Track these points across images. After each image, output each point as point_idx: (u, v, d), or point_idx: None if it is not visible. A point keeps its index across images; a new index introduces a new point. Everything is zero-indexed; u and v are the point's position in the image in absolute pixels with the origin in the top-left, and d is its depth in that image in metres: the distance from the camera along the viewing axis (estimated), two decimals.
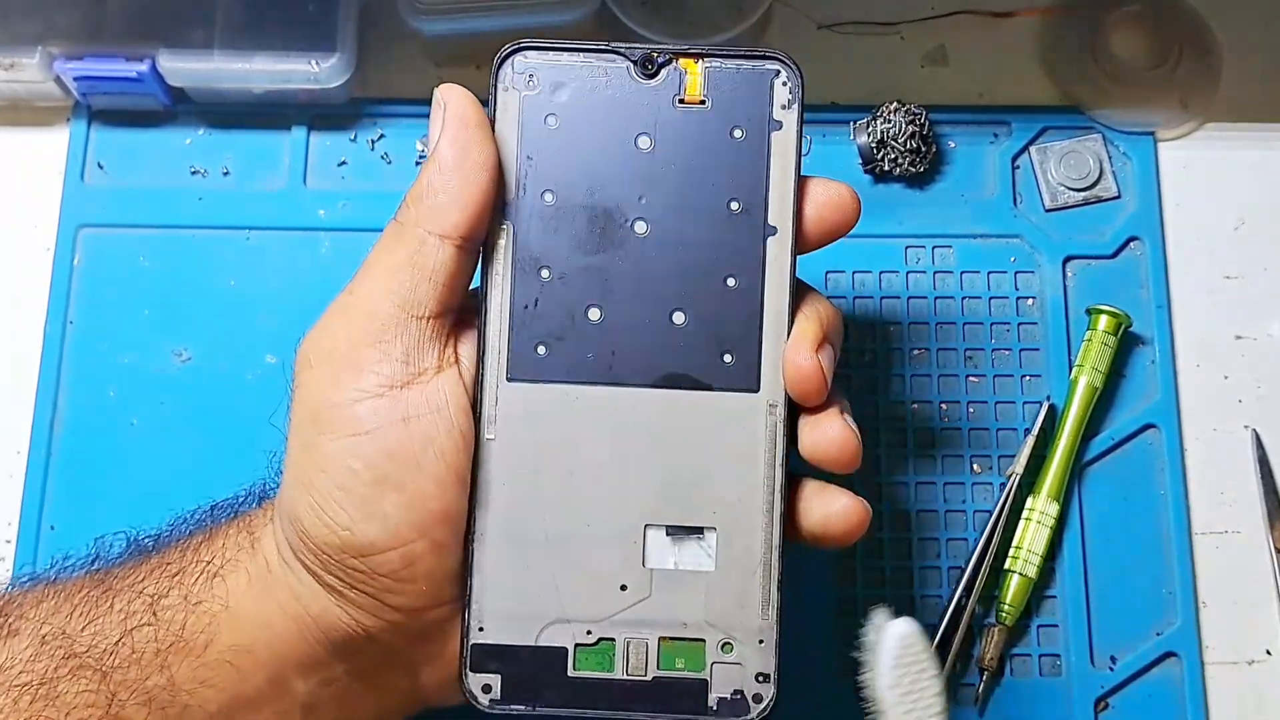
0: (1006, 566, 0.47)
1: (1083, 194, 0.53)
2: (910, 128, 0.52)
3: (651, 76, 0.35)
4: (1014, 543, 0.48)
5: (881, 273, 0.52)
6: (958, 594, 0.47)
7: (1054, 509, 0.48)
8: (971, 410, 0.50)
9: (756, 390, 0.35)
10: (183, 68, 0.51)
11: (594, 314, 0.35)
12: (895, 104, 0.53)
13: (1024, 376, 0.51)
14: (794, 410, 0.36)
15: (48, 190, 0.53)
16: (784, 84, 0.35)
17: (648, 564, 0.35)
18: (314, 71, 0.51)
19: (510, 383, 0.35)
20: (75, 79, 0.51)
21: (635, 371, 0.35)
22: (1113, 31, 0.55)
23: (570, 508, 0.35)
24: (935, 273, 0.52)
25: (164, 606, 0.34)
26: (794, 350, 0.35)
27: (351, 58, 0.52)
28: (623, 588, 0.35)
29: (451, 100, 0.35)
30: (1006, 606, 0.47)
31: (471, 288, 0.36)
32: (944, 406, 0.50)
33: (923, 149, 0.52)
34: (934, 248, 0.52)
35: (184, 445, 0.49)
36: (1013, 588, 0.47)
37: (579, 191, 0.35)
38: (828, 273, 0.51)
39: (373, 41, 0.55)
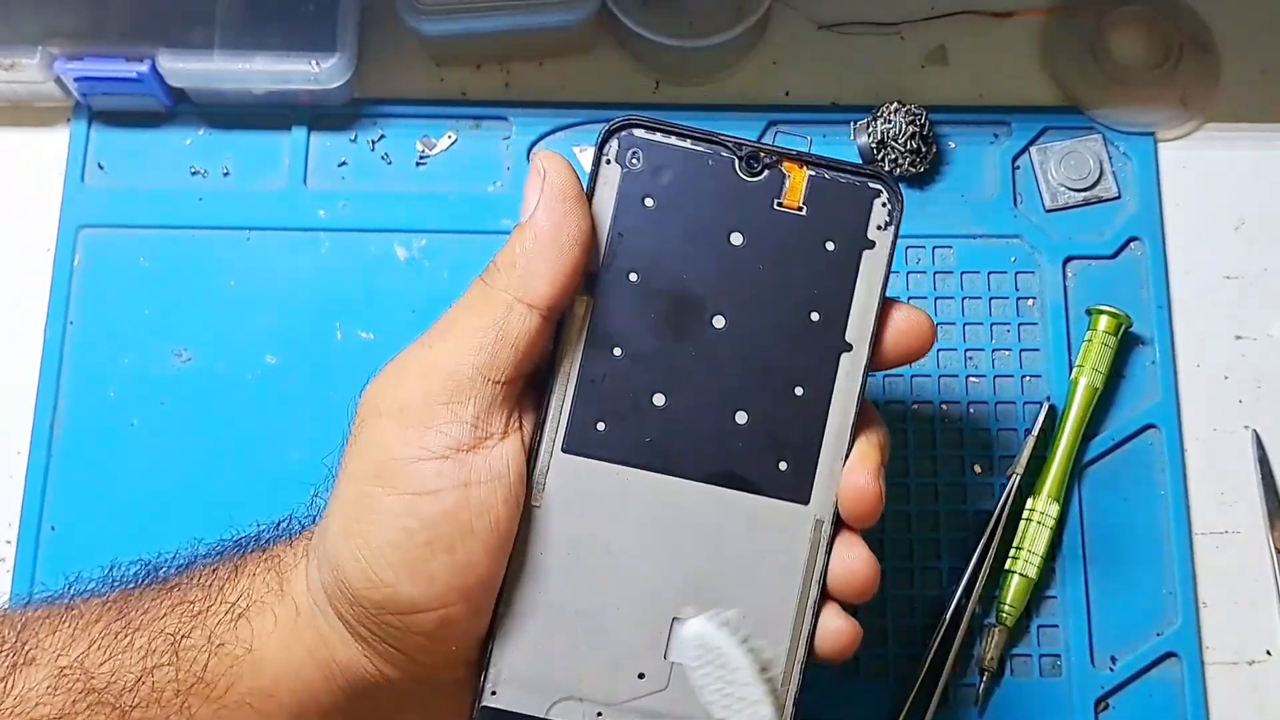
0: (1007, 567, 0.47)
1: (1083, 194, 0.53)
2: (910, 128, 0.52)
3: (754, 175, 0.35)
4: (1014, 543, 0.48)
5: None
6: (958, 594, 0.47)
7: (1054, 509, 0.48)
8: (971, 411, 0.50)
9: (806, 503, 0.35)
10: (183, 68, 0.51)
11: (658, 399, 0.35)
12: (895, 104, 0.53)
13: (1024, 377, 0.51)
14: (838, 522, 0.35)
15: (48, 191, 0.53)
16: (884, 204, 0.35)
17: (669, 656, 0.34)
18: (314, 72, 0.51)
19: (565, 454, 0.35)
20: (75, 79, 0.51)
21: (689, 463, 0.35)
22: (1113, 31, 0.55)
23: (602, 587, 0.35)
24: (935, 273, 0.52)
25: (186, 647, 0.34)
26: (859, 473, 0.35)
27: (351, 58, 0.52)
28: (640, 676, 0.34)
29: (551, 169, 0.34)
30: (1007, 607, 0.47)
31: None
32: (944, 407, 0.50)
33: (923, 149, 0.52)
34: (934, 248, 0.52)
35: (184, 445, 0.49)
36: (1013, 588, 0.47)
37: (664, 276, 0.35)
38: None
39: (373, 42, 0.55)
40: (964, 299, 0.52)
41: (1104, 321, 0.50)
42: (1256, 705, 0.47)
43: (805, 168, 0.35)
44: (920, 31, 0.56)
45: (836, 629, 0.35)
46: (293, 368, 0.50)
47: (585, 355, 0.35)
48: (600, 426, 0.35)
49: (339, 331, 0.51)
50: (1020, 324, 0.51)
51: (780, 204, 0.35)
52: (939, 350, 0.51)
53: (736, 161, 0.35)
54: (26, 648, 0.34)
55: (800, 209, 0.35)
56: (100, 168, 0.53)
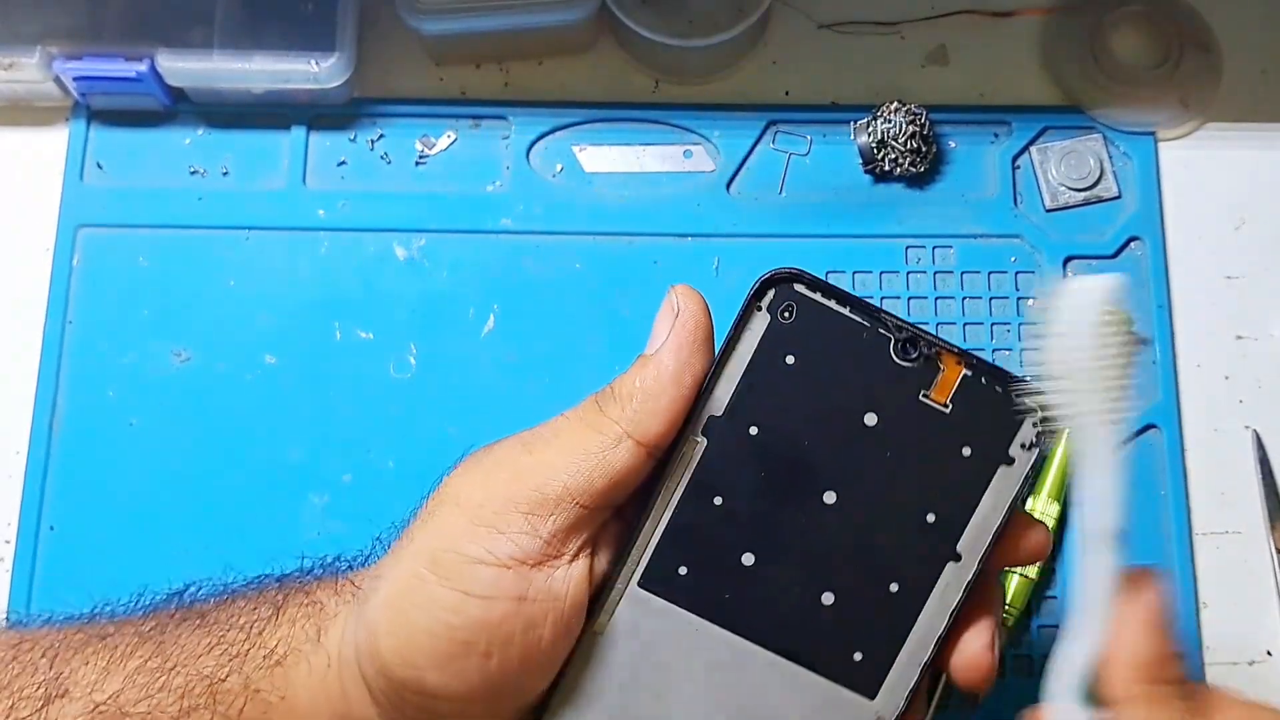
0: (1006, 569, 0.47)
1: (1083, 194, 0.53)
2: (911, 128, 0.52)
3: (908, 360, 0.33)
4: None
5: (882, 273, 0.52)
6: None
7: (1054, 509, 0.48)
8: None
9: (872, 699, 0.33)
10: (182, 68, 0.51)
11: (748, 559, 0.33)
12: (896, 104, 0.52)
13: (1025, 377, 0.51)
14: None
15: (47, 190, 0.53)
16: (1034, 425, 0.33)
17: None
18: (313, 71, 0.51)
19: (640, 588, 0.34)
20: (74, 79, 0.51)
21: (764, 630, 0.33)
22: (1113, 31, 0.55)
23: None
24: (936, 273, 0.52)
25: (223, 690, 0.34)
26: (971, 644, 0.34)
27: (351, 58, 0.52)
28: None
29: (686, 307, 0.34)
30: (1007, 607, 0.47)
31: None
32: None
33: (923, 149, 0.52)
34: (934, 248, 0.52)
35: (183, 445, 0.49)
36: (1013, 588, 0.47)
37: (785, 438, 0.33)
38: (828, 273, 0.51)
39: (372, 41, 0.55)
40: (964, 299, 0.52)
41: None
42: None
43: (963, 366, 0.33)
44: (920, 31, 0.55)
45: None
46: (292, 367, 0.50)
47: (685, 496, 0.33)
48: (682, 571, 0.33)
49: (338, 331, 0.51)
50: (1021, 324, 0.51)
51: (927, 396, 0.33)
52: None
53: (893, 342, 0.33)
54: (60, 679, 0.33)
55: (946, 406, 0.33)
56: (99, 167, 0.53)
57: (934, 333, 0.34)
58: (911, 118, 0.52)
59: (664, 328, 0.34)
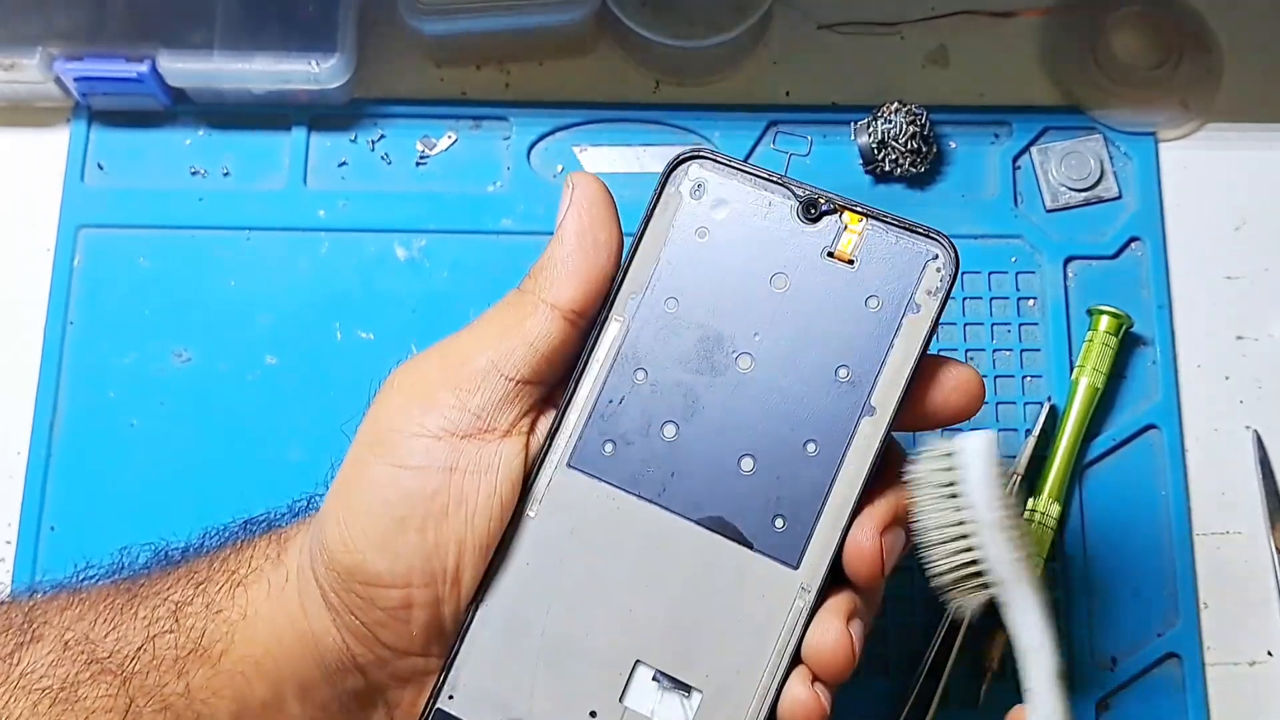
0: None
1: (1083, 194, 0.53)
2: (911, 128, 0.52)
3: (812, 221, 0.34)
4: None
5: None
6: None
7: (1055, 510, 0.48)
8: (1049, 400, 0.50)
9: (795, 567, 0.33)
10: (182, 68, 0.51)
11: (669, 431, 0.34)
12: (896, 104, 0.52)
13: (1025, 377, 0.51)
14: (823, 597, 0.34)
15: (48, 191, 0.53)
16: (938, 269, 0.34)
17: (624, 701, 0.33)
18: (314, 72, 0.51)
19: (569, 469, 0.34)
20: (75, 79, 0.51)
21: (686, 502, 0.34)
22: (1113, 32, 0.55)
23: (574, 614, 0.34)
24: None
25: (186, 614, 0.34)
26: (862, 529, 0.33)
27: (351, 58, 0.52)
28: (592, 714, 0.33)
29: (580, 183, 0.35)
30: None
31: None
32: None
33: (923, 149, 0.52)
34: None
35: (184, 446, 0.49)
36: None
37: (701, 309, 0.34)
38: None
39: (373, 42, 0.55)
40: (964, 299, 0.52)
41: (1105, 322, 0.50)
42: (1257, 706, 0.47)
43: (865, 219, 0.34)
44: (920, 31, 0.55)
45: (801, 700, 0.33)
46: (292, 368, 0.50)
47: (610, 374, 0.34)
48: (608, 448, 0.34)
49: (339, 331, 0.51)
50: (1021, 324, 0.51)
51: (831, 254, 0.34)
52: (939, 351, 0.51)
53: (796, 206, 0.34)
54: (34, 625, 0.34)
55: (851, 261, 0.34)
56: (100, 168, 0.53)
57: (835, 191, 0.34)
58: (912, 118, 0.52)
59: (564, 205, 0.35)
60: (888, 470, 0.34)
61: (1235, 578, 0.49)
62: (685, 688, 0.33)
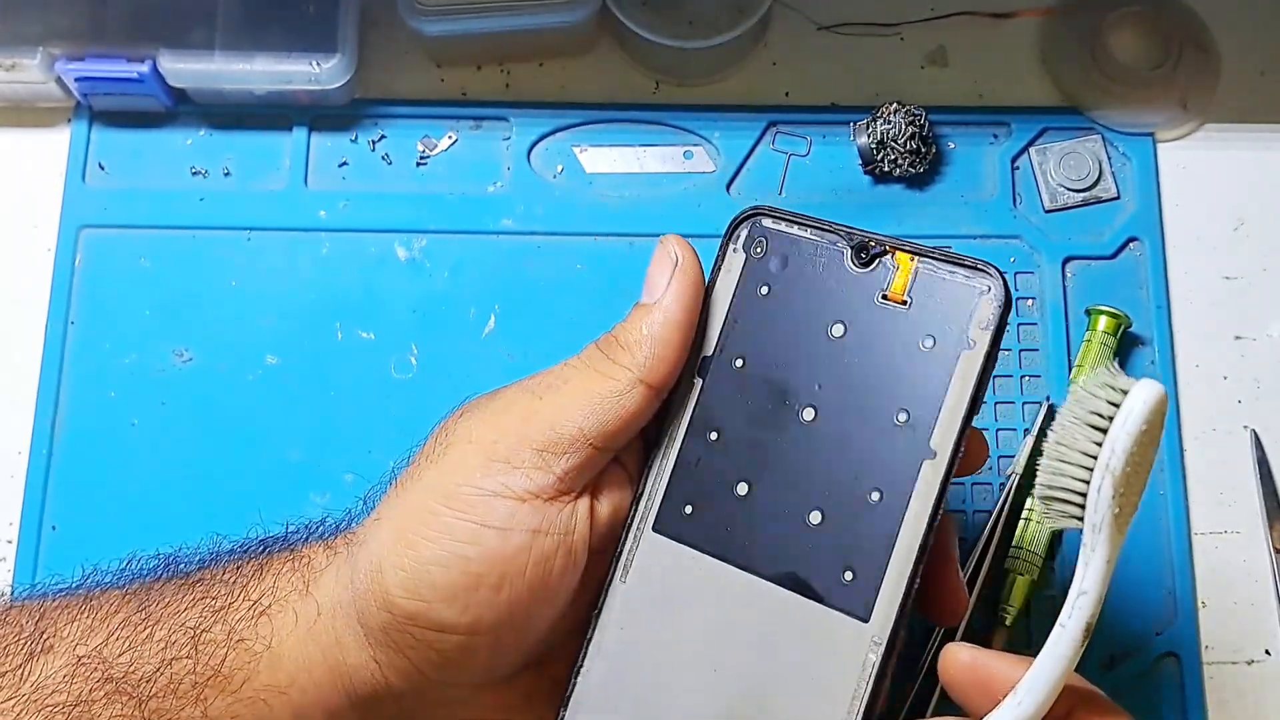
0: (1007, 567, 0.48)
1: (1082, 194, 0.53)
2: (910, 128, 0.52)
3: (865, 265, 0.34)
4: (1014, 542, 0.48)
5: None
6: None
7: None
8: (1047, 400, 0.50)
9: (865, 621, 0.33)
10: (183, 68, 0.51)
11: (742, 489, 0.34)
12: (895, 105, 0.53)
13: (1024, 377, 0.51)
14: (894, 645, 0.33)
15: (49, 191, 0.53)
16: (990, 301, 0.33)
17: None
18: (315, 72, 0.51)
19: (654, 534, 0.35)
20: (76, 80, 0.51)
21: (761, 560, 0.34)
22: (1112, 32, 0.55)
23: (666, 676, 0.34)
24: None
25: (205, 641, 0.34)
26: (944, 578, 0.35)
27: (352, 59, 0.52)
28: None
29: (684, 257, 0.35)
30: (1007, 607, 0.47)
31: None
32: None
33: (923, 150, 0.52)
34: (934, 248, 0.52)
35: (184, 446, 0.49)
36: (1013, 588, 0.47)
37: (766, 364, 0.34)
38: None
39: (373, 42, 0.55)
40: None
41: (1103, 322, 0.50)
42: (1256, 705, 0.47)
43: (915, 259, 0.34)
44: (920, 32, 0.56)
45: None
46: (293, 368, 0.51)
47: (687, 438, 0.35)
48: (688, 510, 0.35)
49: (339, 332, 0.51)
50: (1020, 324, 0.51)
51: (885, 296, 0.34)
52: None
53: (849, 251, 0.34)
54: (45, 636, 0.34)
55: (905, 302, 0.34)
56: (101, 168, 0.53)
57: (885, 234, 0.34)
58: (911, 119, 0.52)
59: (662, 277, 0.35)
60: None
61: (1233, 577, 0.49)
62: None
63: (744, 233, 0.35)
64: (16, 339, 0.51)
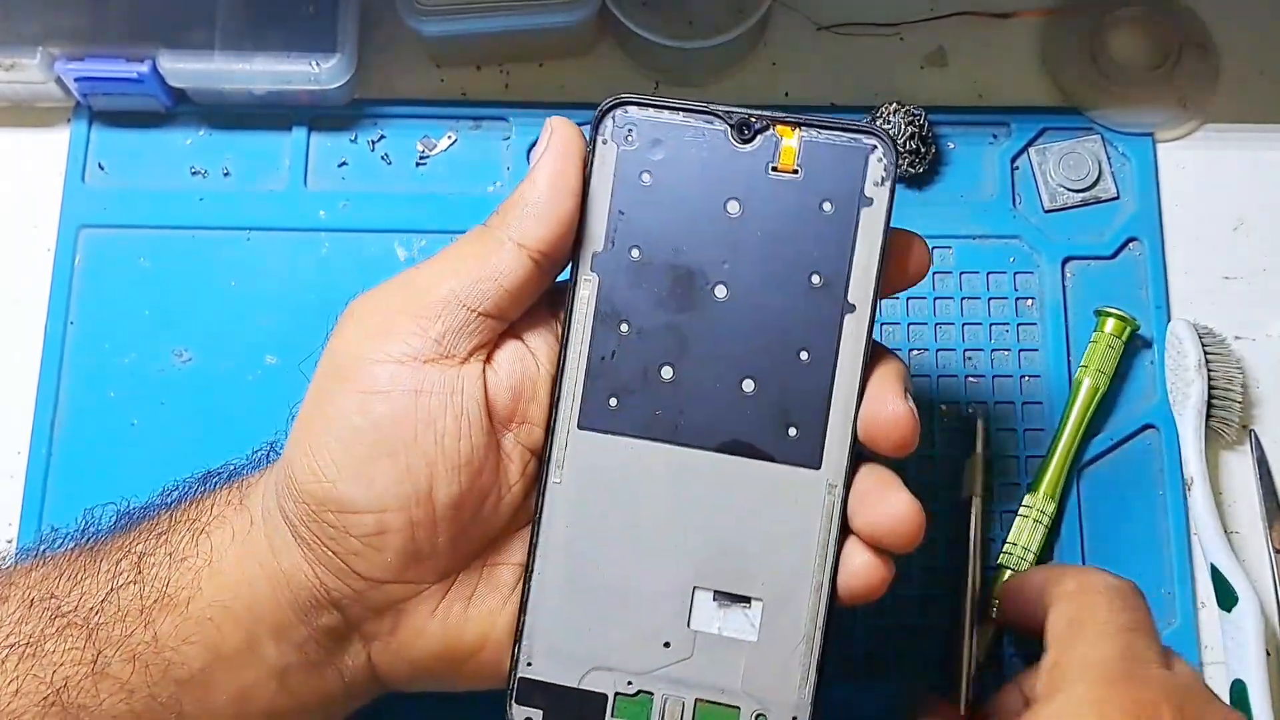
0: (1000, 562, 0.48)
1: (1082, 194, 0.53)
2: (910, 128, 0.52)
3: (747, 142, 0.35)
4: (1008, 538, 0.48)
5: None
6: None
7: (1050, 507, 0.48)
8: (970, 411, 0.50)
9: (818, 468, 0.35)
10: (183, 68, 0.51)
11: (666, 372, 0.35)
12: (895, 105, 0.53)
13: (1024, 377, 0.51)
14: (849, 487, 0.36)
15: (48, 191, 0.53)
16: (879, 160, 0.35)
17: (692, 625, 0.35)
18: (314, 72, 0.51)
19: (581, 430, 0.36)
20: (76, 80, 0.51)
21: (700, 434, 0.35)
22: (1112, 32, 0.55)
23: (625, 559, 0.35)
24: (934, 273, 0.52)
25: (149, 564, 0.35)
26: (881, 399, 0.35)
27: (352, 59, 0.52)
28: (666, 645, 0.35)
29: (558, 128, 0.36)
30: (997, 601, 0.47)
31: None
32: (943, 408, 0.50)
33: (922, 150, 0.52)
34: (933, 248, 0.51)
35: (184, 446, 0.49)
36: (1003, 584, 0.47)
37: (665, 250, 0.35)
38: None
39: (373, 42, 0.55)
40: (963, 299, 0.52)
41: (1111, 324, 0.50)
42: None
43: (797, 129, 0.35)
44: (920, 32, 0.56)
45: (863, 565, 0.35)
46: (293, 368, 0.50)
47: (595, 333, 0.36)
48: (612, 402, 0.36)
49: None
50: (1019, 324, 0.51)
51: (775, 168, 0.35)
52: (937, 351, 0.51)
53: (728, 130, 0.35)
54: (2, 587, 0.35)
55: (795, 171, 0.35)
56: (101, 168, 0.53)
57: (761, 109, 0.35)
58: (910, 119, 0.52)
59: (540, 146, 0.36)
60: (877, 352, 0.36)
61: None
62: (745, 599, 0.35)
63: (610, 124, 0.36)
64: (16, 339, 0.51)
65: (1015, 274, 0.52)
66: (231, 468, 0.40)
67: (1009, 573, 0.47)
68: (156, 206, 0.52)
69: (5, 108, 0.54)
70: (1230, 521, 0.49)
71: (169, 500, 0.38)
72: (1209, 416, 0.49)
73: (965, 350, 0.51)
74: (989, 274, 0.52)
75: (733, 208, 0.35)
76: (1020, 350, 0.51)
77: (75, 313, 0.51)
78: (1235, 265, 0.53)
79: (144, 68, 0.51)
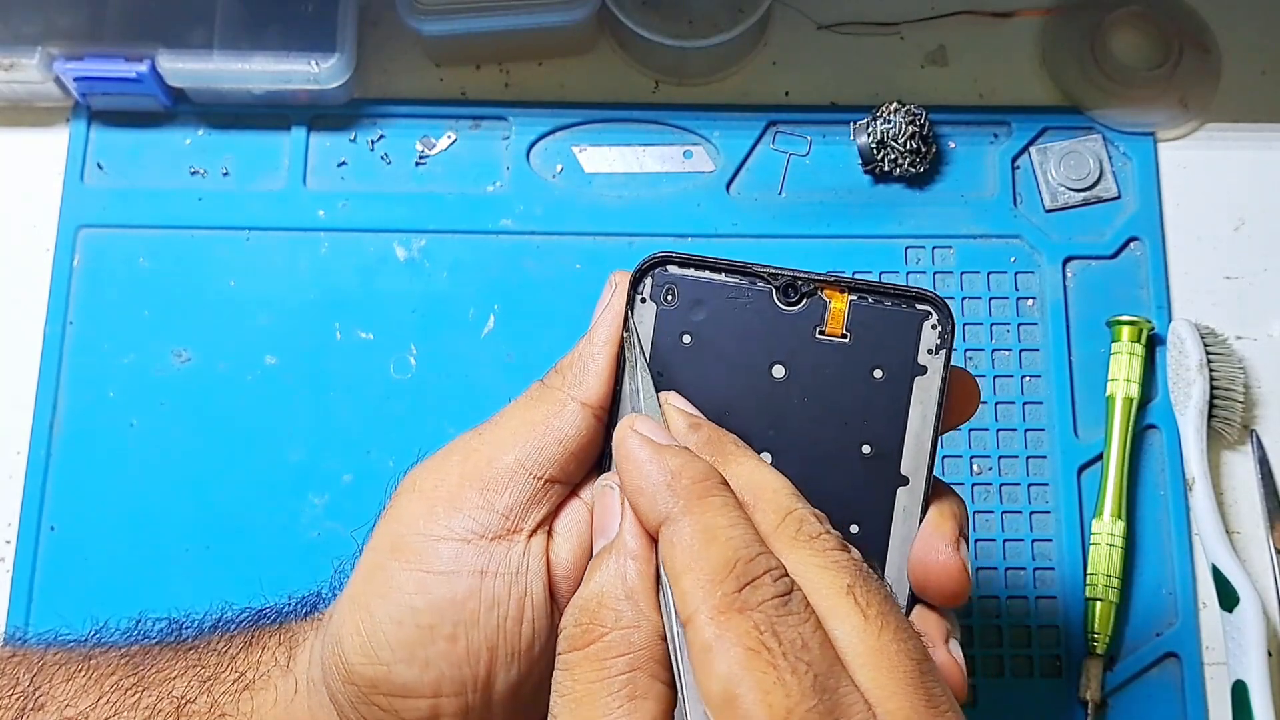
0: (1089, 595, 0.47)
1: (1083, 194, 0.53)
2: (910, 128, 0.52)
3: (793, 305, 0.33)
4: (1089, 569, 0.48)
5: (882, 273, 0.52)
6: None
7: (1119, 527, 0.48)
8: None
9: None
10: (182, 68, 0.51)
11: None
12: (895, 104, 0.53)
13: (1024, 377, 0.51)
14: None
15: (47, 190, 0.53)
16: (933, 327, 0.33)
17: None
18: (314, 72, 0.51)
19: None
20: (75, 79, 0.51)
21: None
22: (1113, 32, 0.55)
23: None
24: (935, 273, 0.52)
25: (189, 711, 0.34)
26: (932, 549, 0.32)
27: (351, 58, 0.52)
28: None
29: (621, 284, 0.34)
30: (1095, 634, 0.47)
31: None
32: None
33: (923, 149, 0.52)
34: (934, 248, 0.52)
35: (183, 446, 0.49)
36: (1098, 615, 0.47)
37: (708, 414, 0.33)
38: (828, 273, 0.51)
39: (372, 42, 0.55)
40: (964, 299, 0.52)
41: (1126, 332, 0.50)
42: None
43: (846, 293, 0.33)
44: (920, 31, 0.55)
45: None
46: (292, 368, 0.50)
47: None
48: None
49: (338, 331, 0.51)
50: (1020, 324, 0.51)
51: (822, 332, 0.33)
52: None
53: (774, 291, 0.33)
54: (38, 694, 0.34)
55: (844, 336, 0.33)
56: (100, 168, 0.53)
57: (809, 270, 0.34)
58: (911, 118, 0.52)
59: (603, 303, 0.34)
60: (937, 488, 0.33)
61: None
62: None
63: (648, 283, 0.34)
64: (15, 339, 0.51)
65: (1016, 274, 0.52)
66: (282, 609, 0.38)
67: (1099, 604, 0.47)
68: (155, 206, 0.52)
69: (4, 107, 0.54)
70: (1232, 522, 0.49)
71: (220, 629, 0.37)
72: (1210, 417, 0.48)
73: (966, 350, 0.51)
74: (990, 274, 0.52)
75: (778, 371, 0.33)
76: (1021, 350, 0.51)
77: (74, 313, 0.51)
78: (1236, 265, 0.53)
79: (143, 67, 0.50)
